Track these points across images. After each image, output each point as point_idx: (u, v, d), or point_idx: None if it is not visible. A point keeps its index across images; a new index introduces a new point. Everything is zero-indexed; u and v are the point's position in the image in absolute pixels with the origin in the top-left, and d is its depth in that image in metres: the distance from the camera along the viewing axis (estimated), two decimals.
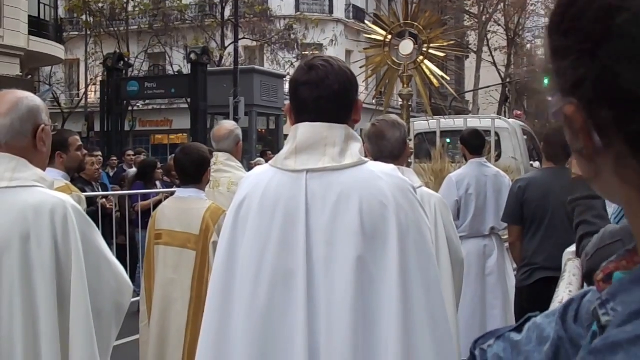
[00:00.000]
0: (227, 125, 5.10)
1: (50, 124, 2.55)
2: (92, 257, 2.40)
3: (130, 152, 13.15)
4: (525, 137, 12.00)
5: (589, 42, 0.67)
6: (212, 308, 2.14)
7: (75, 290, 2.32)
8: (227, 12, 29.00)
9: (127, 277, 2.60)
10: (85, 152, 5.26)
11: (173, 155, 5.17)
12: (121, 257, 7.75)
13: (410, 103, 8.92)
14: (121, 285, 2.53)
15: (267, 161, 15.04)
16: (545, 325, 0.91)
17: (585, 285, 2.30)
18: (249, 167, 14.77)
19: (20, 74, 21.75)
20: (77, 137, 4.91)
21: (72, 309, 2.32)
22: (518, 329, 0.96)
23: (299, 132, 2.11)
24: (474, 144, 5.96)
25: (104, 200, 8.07)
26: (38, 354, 2.27)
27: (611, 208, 2.86)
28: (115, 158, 14.14)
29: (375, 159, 3.29)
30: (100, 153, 10.56)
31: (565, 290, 1.96)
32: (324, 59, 2.19)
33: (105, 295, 2.45)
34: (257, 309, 2.01)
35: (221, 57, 29.25)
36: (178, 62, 30.30)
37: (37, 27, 23.27)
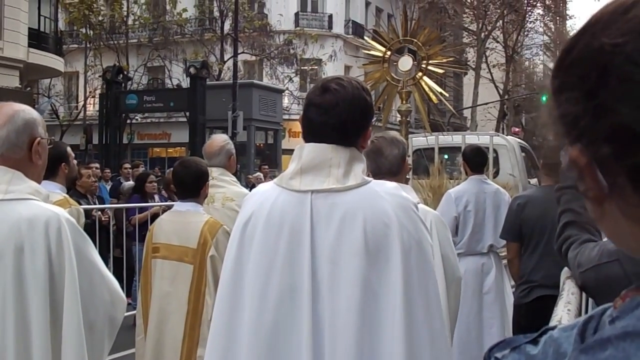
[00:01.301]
0: (217, 140, 4.93)
1: (47, 137, 2.55)
2: (86, 270, 2.39)
3: (127, 165, 13.13)
4: (523, 154, 12.01)
5: (589, 81, 0.71)
6: (219, 325, 2.16)
7: (68, 304, 2.31)
8: (227, 27, 29.13)
9: (120, 291, 2.58)
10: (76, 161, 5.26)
11: (171, 169, 5.15)
12: (118, 270, 7.76)
13: (408, 119, 8.95)
14: (115, 299, 2.52)
15: (264, 175, 14.88)
16: (563, 340, 0.90)
17: (585, 301, 2.29)
18: (247, 182, 14.80)
19: (20, 85, 21.80)
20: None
21: (65, 322, 2.31)
22: (534, 341, 0.95)
23: (304, 153, 2.13)
24: (476, 161, 5.95)
25: (100, 213, 8.05)
26: None
27: None
28: (108, 170, 14.10)
29: (374, 176, 3.29)
30: (97, 165, 10.56)
31: (564, 309, 1.95)
32: (341, 82, 2.18)
33: (98, 309, 2.44)
34: (264, 326, 2.04)
35: (220, 71, 29.35)
36: (177, 76, 30.40)
37: (36, 39, 23.33)
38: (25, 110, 2.47)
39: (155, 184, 9.56)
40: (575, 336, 0.85)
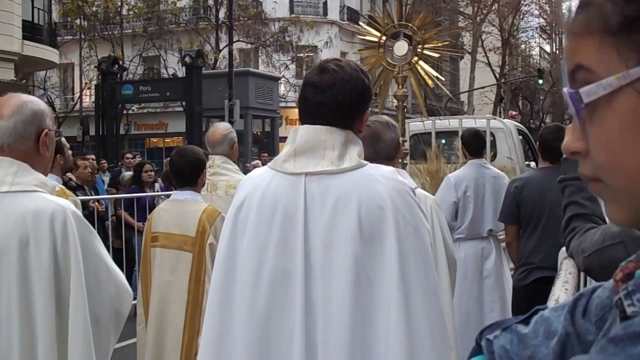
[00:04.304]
0: (220, 128, 4.99)
1: (54, 129, 2.54)
2: (92, 263, 2.37)
3: (129, 155, 13.16)
4: (520, 137, 12.01)
5: None
6: (213, 309, 2.14)
7: (74, 297, 2.30)
8: (222, 15, 29.02)
9: (127, 284, 2.57)
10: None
11: (169, 158, 5.16)
12: (117, 261, 7.76)
13: (405, 104, 8.92)
14: (121, 293, 2.51)
15: (262, 163, 14.91)
16: (553, 319, 0.91)
17: (583, 280, 2.30)
18: (244, 170, 14.81)
19: (15, 78, 21.72)
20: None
21: (71, 316, 2.30)
22: (525, 321, 0.96)
23: (299, 135, 2.10)
24: (475, 145, 5.93)
25: (97, 203, 8.06)
26: (35, 359, 2.26)
27: None
28: (104, 161, 14.11)
29: (370, 160, 3.27)
30: (93, 156, 10.57)
31: (562, 288, 1.96)
32: (339, 63, 2.15)
33: (104, 303, 2.43)
34: (257, 311, 2.02)
35: (216, 60, 29.27)
36: (173, 66, 30.31)
37: (31, 31, 23.22)
38: (34, 102, 2.47)
39: (152, 173, 9.52)
40: (565, 314, 0.86)
